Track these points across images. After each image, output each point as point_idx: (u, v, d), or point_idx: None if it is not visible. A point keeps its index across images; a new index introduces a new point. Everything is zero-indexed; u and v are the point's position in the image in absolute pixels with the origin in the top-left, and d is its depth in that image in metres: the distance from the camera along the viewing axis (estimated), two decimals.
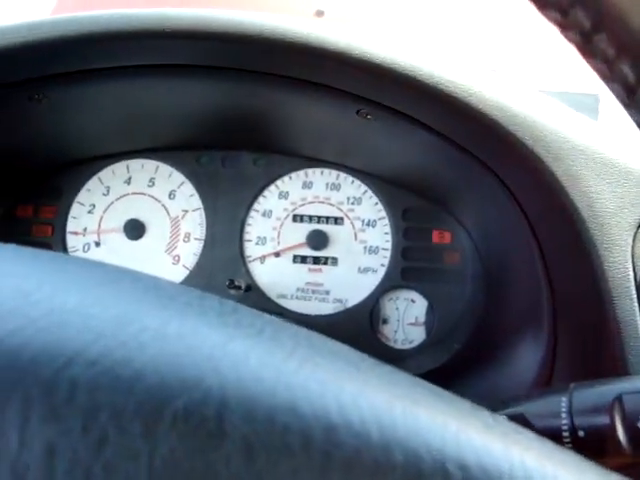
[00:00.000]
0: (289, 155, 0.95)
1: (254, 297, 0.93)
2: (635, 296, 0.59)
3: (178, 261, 0.96)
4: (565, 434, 0.40)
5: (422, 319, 0.93)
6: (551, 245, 0.69)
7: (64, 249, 0.97)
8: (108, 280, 0.27)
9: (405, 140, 0.78)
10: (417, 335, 0.93)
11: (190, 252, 0.96)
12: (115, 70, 0.76)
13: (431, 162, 0.81)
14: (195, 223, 0.96)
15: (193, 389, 0.20)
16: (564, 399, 0.41)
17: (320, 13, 1.69)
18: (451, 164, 0.77)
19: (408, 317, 0.94)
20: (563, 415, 0.40)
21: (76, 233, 0.98)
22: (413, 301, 0.94)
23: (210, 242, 0.95)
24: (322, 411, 0.21)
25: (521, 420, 0.44)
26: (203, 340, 0.23)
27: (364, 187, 0.95)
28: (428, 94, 0.63)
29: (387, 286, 0.93)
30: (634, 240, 0.60)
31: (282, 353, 0.24)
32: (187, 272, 0.95)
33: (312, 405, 0.21)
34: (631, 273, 0.59)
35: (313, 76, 0.72)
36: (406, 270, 0.93)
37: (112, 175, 0.98)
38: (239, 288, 0.91)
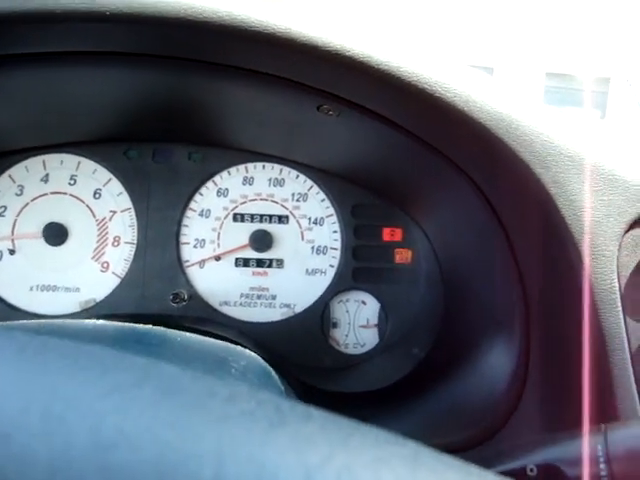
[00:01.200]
0: (227, 148, 0.87)
1: (194, 306, 0.85)
2: (620, 307, 0.56)
3: (107, 268, 0.86)
4: None
5: (374, 321, 0.88)
6: (526, 251, 0.65)
7: None
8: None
9: (367, 136, 0.72)
10: (369, 339, 0.88)
11: (120, 258, 0.86)
12: (31, 56, 0.66)
13: (392, 158, 0.75)
14: (125, 225, 0.87)
15: None
16: (600, 445, 0.36)
17: None
18: (416, 162, 0.72)
19: (359, 320, 0.89)
20: (601, 463, 0.36)
21: None
22: (364, 303, 0.89)
23: (143, 246, 0.86)
24: None
25: (553, 470, 0.39)
26: None
27: (310, 182, 0.88)
28: (408, 95, 0.57)
29: (337, 288, 0.87)
30: (619, 249, 0.56)
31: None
32: (118, 280, 0.86)
33: None
34: (616, 283, 0.56)
35: (263, 66, 0.65)
36: (357, 271, 0.87)
37: (26, 172, 0.86)
38: (183, 300, 0.83)
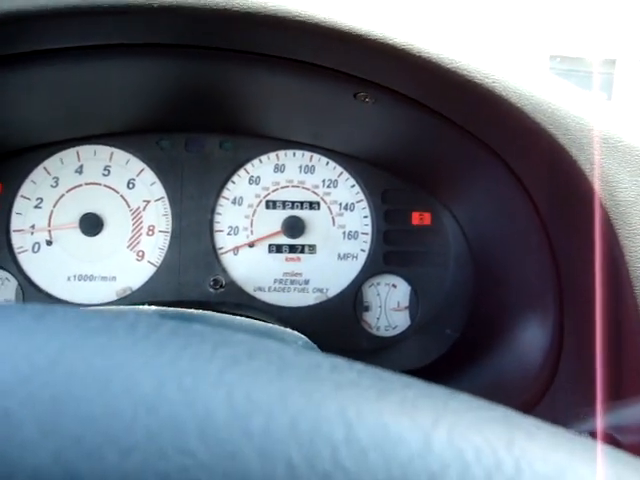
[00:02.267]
0: (258, 137, 0.88)
1: (230, 292, 0.87)
2: None
3: (143, 257, 0.88)
4: None
5: (405, 304, 0.90)
6: (560, 231, 0.66)
7: (9, 250, 0.86)
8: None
9: (401, 122, 0.73)
10: (401, 321, 0.90)
11: (155, 247, 0.88)
12: (63, 50, 0.67)
13: (424, 143, 0.77)
14: (159, 214, 0.88)
15: None
16: None
17: None
18: (448, 146, 0.73)
19: (390, 303, 0.90)
20: None
21: (22, 231, 0.87)
22: (394, 286, 0.90)
23: (177, 235, 0.87)
24: None
25: (606, 438, 0.41)
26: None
27: (340, 169, 0.89)
28: (447, 82, 0.58)
29: (369, 272, 0.89)
30: None
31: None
32: (154, 269, 0.87)
33: None
34: None
35: (302, 55, 0.66)
36: (388, 255, 0.89)
37: (60, 164, 0.88)
38: (221, 286, 0.85)
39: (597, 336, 0.64)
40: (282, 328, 0.63)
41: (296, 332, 0.63)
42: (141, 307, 0.63)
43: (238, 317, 0.63)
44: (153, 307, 0.61)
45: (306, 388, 0.22)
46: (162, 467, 0.17)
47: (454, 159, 0.77)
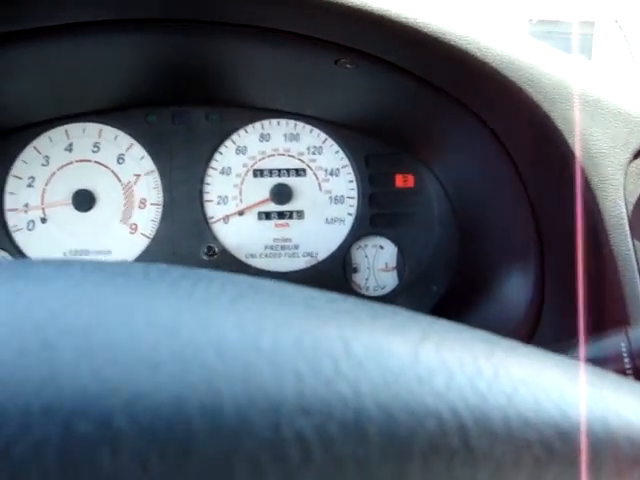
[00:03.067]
0: (243, 107, 0.90)
1: (223, 260, 0.90)
2: (629, 231, 0.61)
3: (136, 230, 0.90)
4: (629, 376, 0.40)
5: (392, 264, 0.93)
6: (538, 185, 0.69)
7: (4, 229, 0.88)
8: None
9: (382, 86, 0.76)
10: (389, 281, 0.93)
11: (148, 219, 0.90)
12: (47, 29, 0.69)
13: (405, 107, 0.79)
14: (150, 187, 0.90)
15: (427, 420, 0.18)
16: (623, 343, 0.41)
17: None
18: (428, 109, 0.76)
19: (378, 263, 0.93)
20: (625, 357, 0.41)
21: (16, 210, 0.89)
22: (382, 247, 0.93)
23: (169, 206, 0.90)
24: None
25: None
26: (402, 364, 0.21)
27: (324, 135, 0.92)
28: (424, 45, 0.61)
29: (356, 235, 0.92)
30: (625, 178, 0.61)
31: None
32: (147, 241, 0.90)
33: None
34: (624, 209, 0.61)
35: (281, 24, 0.68)
36: (374, 217, 0.92)
37: (49, 143, 0.89)
38: (215, 254, 0.87)
39: (577, 285, 0.68)
40: None
41: None
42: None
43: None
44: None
45: (307, 313, 0.25)
46: (188, 379, 0.20)
47: (435, 122, 0.80)
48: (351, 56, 0.70)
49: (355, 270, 0.93)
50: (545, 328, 0.73)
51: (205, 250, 0.88)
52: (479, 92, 0.68)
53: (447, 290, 0.87)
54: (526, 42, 0.65)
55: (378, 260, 0.93)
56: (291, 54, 0.75)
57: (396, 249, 0.93)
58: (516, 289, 0.76)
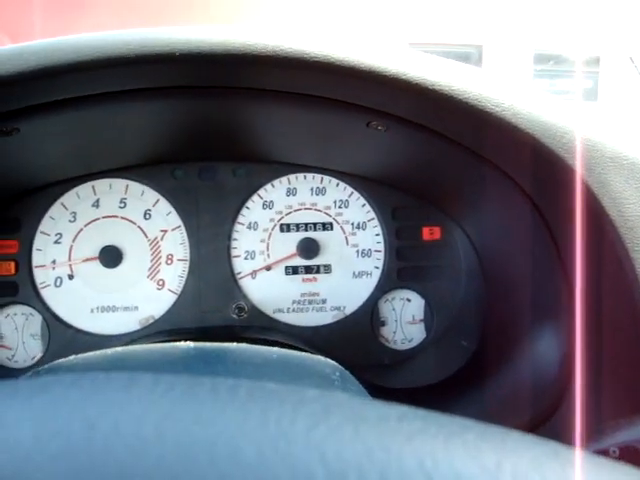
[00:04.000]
0: (269, 162, 0.91)
1: (251, 315, 0.89)
2: None
3: (163, 285, 0.90)
4: None
5: (420, 317, 0.93)
6: (571, 247, 0.69)
7: (32, 286, 0.88)
8: None
9: (412, 146, 0.76)
10: (417, 334, 0.93)
11: (175, 275, 0.90)
12: (78, 99, 0.69)
13: (435, 165, 0.80)
14: (176, 243, 0.90)
15: None
16: None
17: None
18: (459, 168, 0.76)
19: (405, 316, 0.93)
20: None
21: (44, 266, 0.89)
22: (409, 300, 0.93)
23: (196, 262, 0.90)
24: None
25: (633, 450, 0.44)
26: None
27: (350, 189, 0.92)
28: (458, 111, 0.61)
29: (384, 288, 0.92)
30: None
31: None
32: (175, 297, 0.90)
33: None
34: None
35: (317, 90, 0.68)
36: (401, 270, 0.92)
37: (77, 199, 0.89)
38: (245, 312, 0.87)
39: (606, 348, 0.67)
40: (317, 357, 0.65)
41: (326, 359, 0.66)
42: (182, 344, 0.65)
43: (271, 348, 0.65)
44: (191, 344, 0.63)
45: (385, 442, 0.25)
46: None
47: (463, 178, 0.80)
48: (383, 119, 0.71)
49: (383, 323, 0.92)
50: (576, 389, 0.72)
51: (234, 309, 0.88)
52: (512, 154, 0.68)
53: (479, 346, 0.87)
54: (557, 104, 0.65)
55: (405, 313, 0.93)
56: (321, 116, 0.75)
57: (423, 302, 0.93)
58: (548, 346, 0.75)
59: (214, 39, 0.62)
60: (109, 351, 0.66)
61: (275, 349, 0.66)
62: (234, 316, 0.87)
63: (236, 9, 1.62)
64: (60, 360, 0.65)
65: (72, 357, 0.65)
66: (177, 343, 0.65)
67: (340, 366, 0.64)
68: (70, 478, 0.22)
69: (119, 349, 0.68)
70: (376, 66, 0.61)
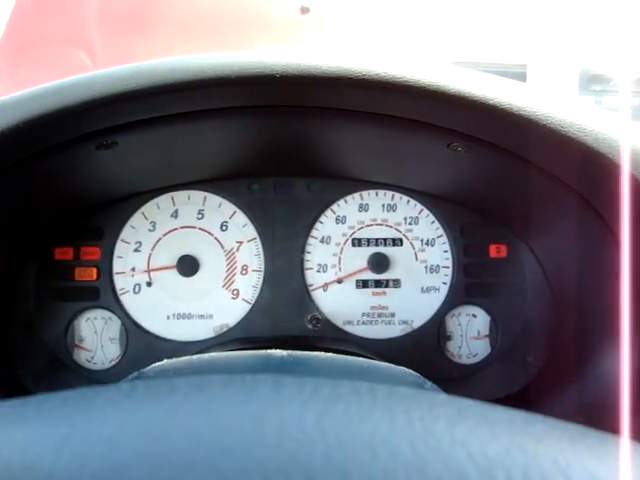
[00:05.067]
0: (343, 179, 0.94)
1: (322, 327, 0.92)
2: None
3: (237, 295, 0.93)
4: None
5: (485, 333, 0.95)
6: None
7: (112, 292, 0.92)
8: None
9: (487, 166, 0.78)
10: (482, 349, 0.95)
11: (249, 285, 0.93)
12: (163, 117, 0.72)
13: (508, 184, 0.82)
14: (251, 254, 0.93)
15: None
16: None
17: (305, 10, 1.66)
18: (532, 187, 0.78)
19: (471, 332, 0.95)
20: None
21: (124, 273, 0.93)
22: (474, 316, 0.95)
23: (270, 273, 0.92)
24: None
25: None
26: None
27: (420, 206, 0.94)
28: (541, 134, 0.63)
29: (451, 304, 0.94)
30: None
31: None
32: (249, 307, 0.93)
33: None
34: None
35: (399, 112, 0.71)
36: (468, 286, 0.94)
37: (157, 209, 0.93)
38: (319, 322, 0.89)
39: None
40: (402, 368, 0.67)
41: (414, 372, 0.68)
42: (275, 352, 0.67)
43: (357, 357, 0.68)
44: (284, 352, 0.66)
45: (520, 443, 0.27)
46: None
47: (534, 198, 0.82)
48: (465, 141, 0.73)
49: (449, 338, 0.94)
50: None
51: (310, 320, 0.90)
52: (586, 175, 0.70)
53: (545, 362, 0.88)
54: (634, 128, 0.67)
55: (471, 328, 0.95)
56: (401, 136, 0.78)
57: (489, 318, 0.94)
58: (615, 364, 0.77)
59: (312, 62, 0.65)
60: (203, 356, 0.69)
61: (361, 359, 0.69)
62: (310, 326, 0.90)
63: (285, 36, 1.65)
64: (158, 363, 0.68)
65: (165, 361, 0.68)
66: (269, 350, 0.68)
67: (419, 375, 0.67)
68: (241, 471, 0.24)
69: (212, 354, 0.71)
70: (465, 90, 0.63)
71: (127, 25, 1.18)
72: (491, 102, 0.64)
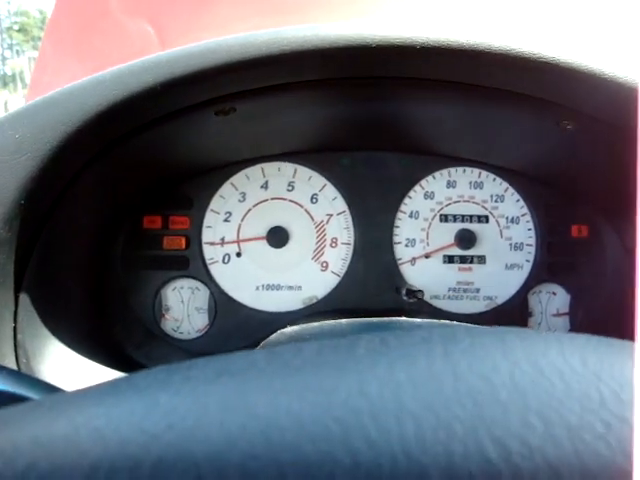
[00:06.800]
0: (431, 155, 0.95)
1: (416, 299, 0.93)
2: None
3: (327, 268, 0.94)
4: None
5: (564, 310, 0.97)
6: None
7: (202, 261, 0.92)
8: None
9: (593, 145, 0.79)
10: (561, 326, 0.97)
11: (338, 258, 0.94)
12: (258, 89, 0.72)
13: (606, 164, 0.83)
14: (341, 227, 0.94)
15: None
16: None
17: None
18: (630, 168, 0.79)
19: (551, 309, 0.97)
20: None
21: (213, 243, 0.93)
22: (554, 294, 0.97)
23: (360, 247, 0.93)
24: None
25: None
26: None
27: (505, 184, 0.96)
28: None
29: (533, 281, 0.96)
30: None
31: None
32: (338, 279, 0.93)
33: None
34: None
35: (508, 85, 0.72)
36: (551, 265, 0.96)
37: (247, 180, 0.93)
38: (414, 296, 0.90)
39: None
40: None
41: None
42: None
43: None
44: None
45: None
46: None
47: (632, 178, 0.84)
48: (574, 118, 0.74)
49: (530, 314, 0.96)
50: None
51: (406, 292, 0.91)
52: None
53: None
54: None
55: (551, 306, 0.96)
56: (502, 112, 0.79)
57: (569, 296, 0.96)
58: None
59: (405, 33, 0.65)
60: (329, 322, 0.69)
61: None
62: (405, 298, 0.91)
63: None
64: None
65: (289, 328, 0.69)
66: (398, 318, 0.69)
67: None
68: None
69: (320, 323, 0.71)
70: (572, 62, 0.64)
71: None
72: (621, 80, 0.65)
